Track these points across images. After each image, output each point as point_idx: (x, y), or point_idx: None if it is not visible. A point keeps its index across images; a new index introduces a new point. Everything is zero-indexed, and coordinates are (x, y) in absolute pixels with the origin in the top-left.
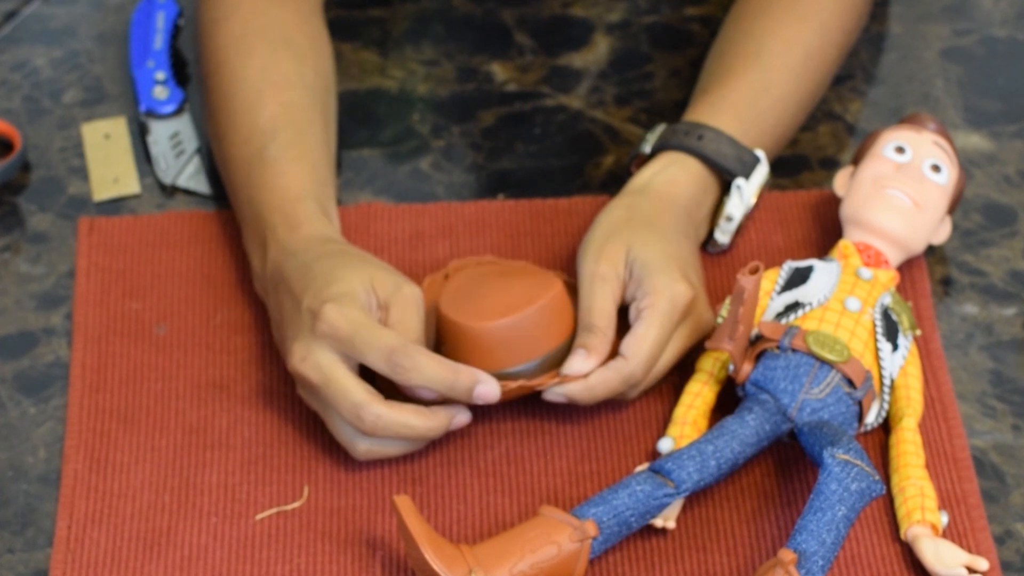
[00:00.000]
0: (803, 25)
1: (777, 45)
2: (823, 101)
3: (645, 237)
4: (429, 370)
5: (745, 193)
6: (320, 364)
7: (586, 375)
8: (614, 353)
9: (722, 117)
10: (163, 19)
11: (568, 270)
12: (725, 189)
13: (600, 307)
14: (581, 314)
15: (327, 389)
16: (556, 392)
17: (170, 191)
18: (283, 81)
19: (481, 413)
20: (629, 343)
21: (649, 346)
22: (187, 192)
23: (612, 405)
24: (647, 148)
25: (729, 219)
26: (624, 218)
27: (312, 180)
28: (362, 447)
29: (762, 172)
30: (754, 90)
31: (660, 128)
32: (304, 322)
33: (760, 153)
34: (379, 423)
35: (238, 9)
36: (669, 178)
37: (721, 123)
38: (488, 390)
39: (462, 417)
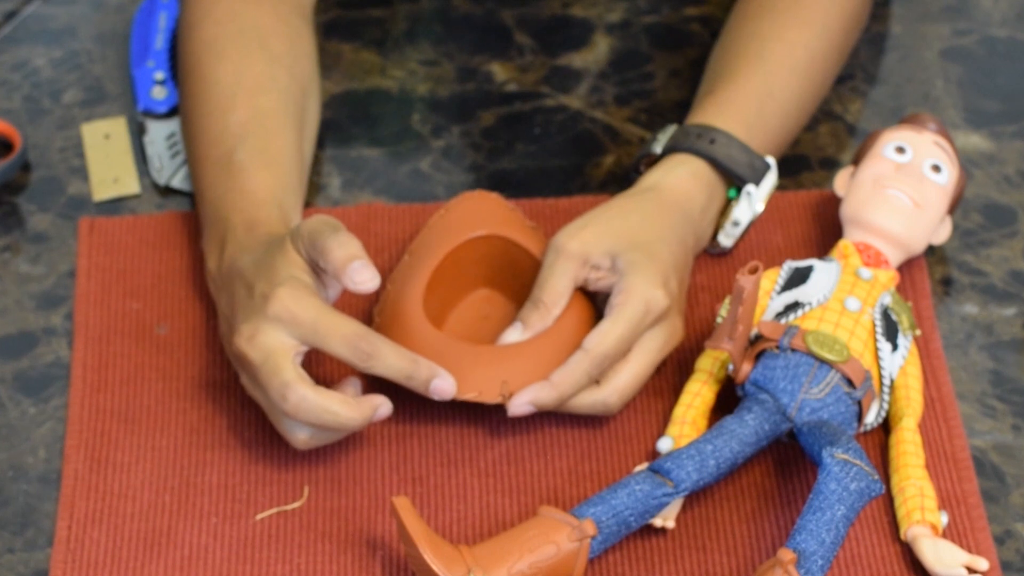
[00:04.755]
0: (806, 28)
1: (781, 48)
2: (823, 101)
3: (638, 234)
4: (390, 358)
5: (754, 199)
6: (265, 344)
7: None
8: (574, 345)
9: (728, 120)
10: (165, 19)
11: None
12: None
13: (553, 284)
14: (535, 286)
15: (263, 368)
16: (521, 403)
17: (166, 191)
18: (255, 85)
19: (482, 413)
20: (591, 336)
21: (612, 341)
22: (181, 193)
23: None
24: (658, 148)
25: (736, 224)
26: (622, 209)
27: (277, 186)
28: (301, 436)
29: (772, 179)
30: (759, 94)
31: (671, 129)
32: (255, 305)
33: (770, 160)
34: (302, 405)
35: (212, 12)
36: (677, 179)
37: (727, 126)
38: (444, 385)
39: (384, 409)
